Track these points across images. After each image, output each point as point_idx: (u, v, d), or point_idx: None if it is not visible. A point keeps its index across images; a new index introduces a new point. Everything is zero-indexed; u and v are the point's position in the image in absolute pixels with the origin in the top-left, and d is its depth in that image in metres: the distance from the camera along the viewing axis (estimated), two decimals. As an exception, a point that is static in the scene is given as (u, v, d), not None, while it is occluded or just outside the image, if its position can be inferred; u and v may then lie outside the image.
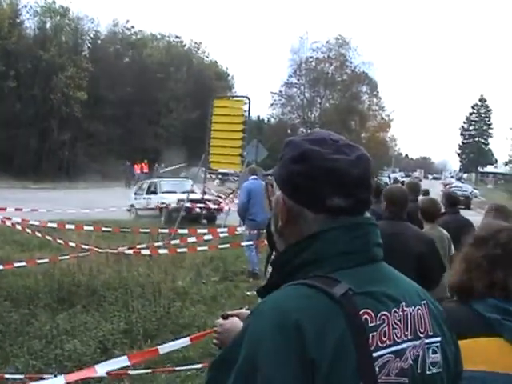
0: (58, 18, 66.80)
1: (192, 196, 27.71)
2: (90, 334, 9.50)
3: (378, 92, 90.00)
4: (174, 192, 30.18)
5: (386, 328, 1.71)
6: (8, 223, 17.13)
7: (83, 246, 14.67)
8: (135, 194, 32.77)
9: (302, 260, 1.80)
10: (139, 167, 54.25)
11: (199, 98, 66.57)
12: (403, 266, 2.19)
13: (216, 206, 28.22)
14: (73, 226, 16.92)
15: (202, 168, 26.61)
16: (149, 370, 7.85)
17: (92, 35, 72.65)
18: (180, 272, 14.19)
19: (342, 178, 1.77)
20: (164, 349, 6.78)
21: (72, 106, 63.20)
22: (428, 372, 1.79)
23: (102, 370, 6.21)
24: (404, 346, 1.74)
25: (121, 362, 6.36)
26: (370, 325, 1.68)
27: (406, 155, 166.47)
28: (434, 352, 1.82)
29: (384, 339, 1.69)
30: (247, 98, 26.24)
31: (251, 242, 14.91)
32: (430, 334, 1.83)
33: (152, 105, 71.26)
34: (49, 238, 16.14)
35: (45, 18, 67.26)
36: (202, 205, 27.56)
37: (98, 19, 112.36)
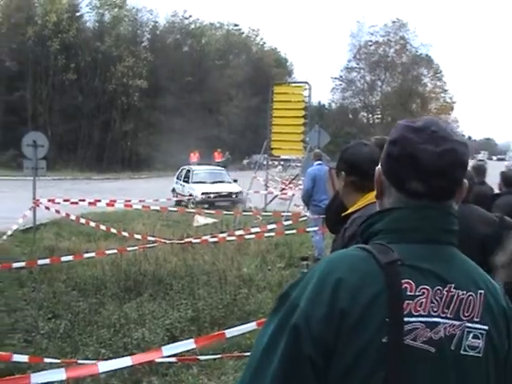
0: (116, 9, 67.34)
1: (218, 188, 29.72)
2: (158, 322, 9.60)
3: (440, 74, 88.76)
4: (204, 182, 30.74)
5: (424, 300, 1.86)
6: (72, 217, 17.43)
7: (149, 238, 14.80)
8: (177, 178, 33.30)
9: (375, 228, 2.02)
10: (195, 156, 54.23)
11: (258, 85, 66.46)
12: (469, 250, 2.25)
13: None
14: (140, 206, 17.13)
15: (264, 155, 26.60)
16: (217, 356, 7.88)
17: (151, 26, 73.11)
18: (245, 259, 14.22)
19: (422, 166, 1.93)
20: (231, 333, 6.78)
21: (131, 95, 63.73)
22: (463, 352, 1.89)
23: (168, 352, 6.24)
24: (438, 320, 1.86)
25: (187, 344, 6.38)
26: (409, 293, 1.85)
27: (469, 137, 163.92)
28: (476, 337, 1.92)
29: (418, 309, 1.84)
30: (307, 83, 26.11)
31: (316, 228, 14.84)
32: (476, 320, 1.92)
33: (212, 93, 71.46)
34: (113, 230, 16.37)
35: (103, 10, 67.92)
36: (226, 198, 29.02)
37: (157, 10, 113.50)
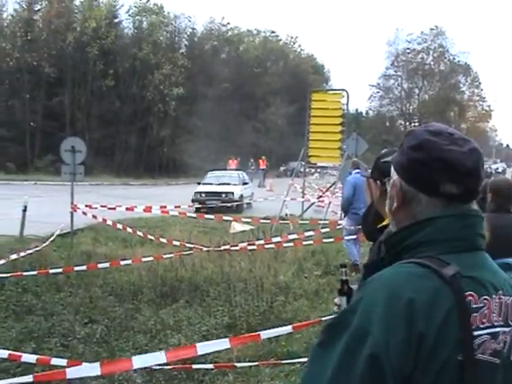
0: (154, 16, 67.74)
1: (210, 188, 31.54)
2: (194, 329, 9.60)
3: (478, 82, 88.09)
4: (210, 184, 32.72)
5: (486, 311, 1.85)
6: (109, 222, 17.54)
7: (187, 245, 14.84)
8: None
9: (414, 241, 1.95)
10: (234, 162, 54.37)
11: (296, 92, 66.55)
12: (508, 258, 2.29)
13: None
14: (176, 213, 17.19)
15: (302, 162, 26.54)
16: (254, 363, 7.85)
17: (188, 33, 73.47)
18: (282, 266, 14.18)
19: (455, 166, 1.91)
20: (266, 335, 6.72)
21: (168, 103, 64.05)
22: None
23: (202, 350, 6.19)
24: (498, 329, 1.87)
25: (222, 344, 6.35)
26: (473, 306, 1.83)
27: (507, 145, 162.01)
28: None
29: (484, 321, 1.84)
30: (345, 91, 26.03)
31: (354, 236, 14.76)
32: None
33: (249, 100, 71.66)
34: (150, 237, 16.44)
35: (141, 17, 68.38)
36: (216, 197, 30.52)
37: (195, 17, 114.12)
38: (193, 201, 29.98)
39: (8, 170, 53.28)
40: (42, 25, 63.63)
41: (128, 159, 62.11)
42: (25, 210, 18.56)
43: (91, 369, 5.95)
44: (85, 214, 18.64)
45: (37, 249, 15.11)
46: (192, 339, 8.98)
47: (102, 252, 15.83)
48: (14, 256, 13.53)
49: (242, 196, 31.59)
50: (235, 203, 29.69)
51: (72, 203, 18.28)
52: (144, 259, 13.11)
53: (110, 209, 19.54)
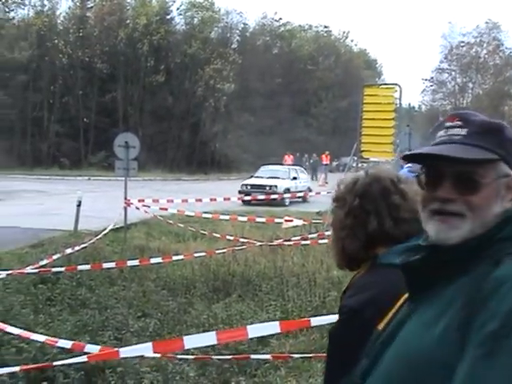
0: (205, 12, 67.88)
1: (256, 181, 33.51)
2: (246, 323, 9.60)
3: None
4: (260, 177, 34.81)
5: None
6: (160, 217, 17.69)
7: (241, 240, 14.88)
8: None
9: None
10: (290, 158, 54.36)
11: (348, 87, 66.34)
12: None
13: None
14: (227, 217, 17.20)
15: (354, 157, 26.39)
16: (309, 355, 7.83)
17: (240, 28, 73.56)
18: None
19: None
20: (316, 322, 6.67)
21: (219, 98, 64.15)
22: None
23: (253, 333, 6.18)
24: None
25: (272, 327, 6.32)
26: None
27: None
28: None
29: None
30: (398, 85, 25.80)
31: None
32: None
33: (301, 95, 71.52)
34: (203, 231, 16.53)
35: (192, 12, 68.54)
36: (260, 190, 31.43)
37: (247, 12, 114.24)
38: (240, 192, 31.44)
39: (62, 165, 54.04)
40: (94, 21, 64.24)
41: (180, 155, 62.44)
42: (79, 205, 18.77)
43: (144, 349, 6.00)
44: (138, 208, 18.80)
45: (90, 242, 15.31)
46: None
47: (155, 246, 16.00)
48: (68, 250, 13.72)
49: (288, 189, 32.17)
50: (279, 196, 29.32)
51: (125, 198, 18.47)
52: (196, 254, 13.18)
53: (161, 209, 19.57)
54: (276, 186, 32.77)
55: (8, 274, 11.06)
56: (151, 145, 56.99)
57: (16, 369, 6.59)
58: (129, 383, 7.35)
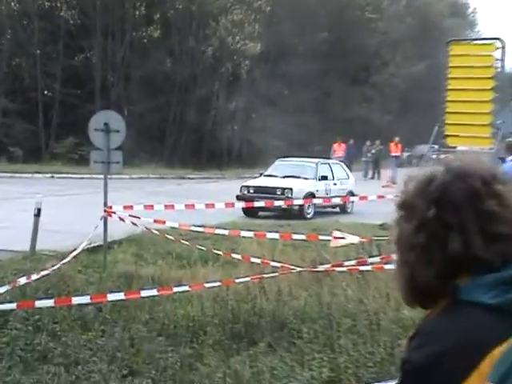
0: None
1: (262, 182, 32.82)
2: (283, 384, 9.62)
3: None
4: (274, 176, 34.14)
5: None
6: (155, 231, 17.69)
7: (272, 264, 14.80)
8: None
9: None
10: (341, 147, 54.03)
11: (426, 44, 66.16)
12: None
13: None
14: (251, 234, 17.11)
15: (434, 145, 26.34)
16: None
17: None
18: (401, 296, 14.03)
19: None
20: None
21: (239, 62, 63.83)
22: None
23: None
24: None
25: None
26: None
27: None
28: None
29: None
30: (499, 40, 25.71)
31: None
32: None
33: (357, 56, 71.27)
34: (218, 252, 16.50)
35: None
36: (268, 194, 30.27)
37: None
38: (238, 198, 30.64)
39: (13, 157, 53.99)
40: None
41: (184, 142, 62.26)
42: (38, 215, 18.84)
43: None
44: (122, 220, 18.81)
45: (54, 268, 15.34)
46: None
47: (148, 274, 15.94)
48: (22, 280, 13.74)
49: (312, 194, 31.58)
50: (286, 202, 27.57)
51: (105, 204, 18.51)
52: (208, 285, 13.16)
53: (157, 221, 19.46)
54: (291, 190, 31.48)
55: None
56: (142, 128, 56.92)
57: None
58: None
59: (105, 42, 61.69)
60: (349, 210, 32.71)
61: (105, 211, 18.40)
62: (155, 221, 18.93)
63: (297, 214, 29.40)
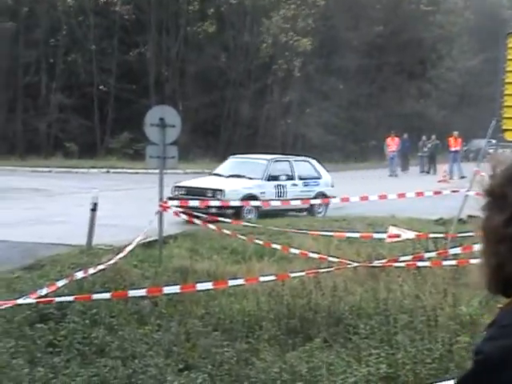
0: None
1: (196, 183, 28.60)
2: (337, 380, 9.56)
3: None
4: (219, 175, 30.27)
5: None
6: (211, 226, 17.68)
7: (331, 259, 14.74)
8: None
9: None
10: (394, 141, 53.72)
11: (483, 37, 65.62)
12: None
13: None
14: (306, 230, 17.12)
15: (491, 140, 26.11)
16: None
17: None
18: (464, 292, 13.94)
19: None
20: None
21: (293, 57, 63.69)
22: None
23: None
24: None
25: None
26: None
27: None
28: None
29: None
30: (561, 32, 25.45)
31: None
32: None
33: (413, 50, 70.80)
34: (275, 247, 16.47)
35: None
36: (200, 196, 26.57)
37: None
38: (170, 199, 25.19)
39: (69, 152, 54.24)
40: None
41: (238, 137, 62.13)
42: (94, 210, 18.93)
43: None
44: (177, 215, 18.86)
45: (111, 263, 15.41)
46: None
47: (204, 268, 15.96)
48: (80, 274, 13.81)
49: (253, 197, 27.35)
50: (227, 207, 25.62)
51: (161, 199, 18.57)
52: (263, 278, 13.12)
53: (212, 214, 19.45)
54: (222, 192, 27.45)
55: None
56: (196, 123, 56.96)
57: None
58: None
59: (159, 37, 62.01)
60: (320, 215, 28.47)
61: (161, 206, 18.46)
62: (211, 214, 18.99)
63: (232, 215, 24.45)
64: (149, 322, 12.32)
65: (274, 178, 28.86)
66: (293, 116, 64.55)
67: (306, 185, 29.34)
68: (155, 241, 18.84)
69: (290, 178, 29.26)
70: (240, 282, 12.84)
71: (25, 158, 51.13)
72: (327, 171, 30.72)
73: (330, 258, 14.79)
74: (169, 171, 19.66)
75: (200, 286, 12.47)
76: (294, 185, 28.95)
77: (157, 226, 18.59)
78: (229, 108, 62.73)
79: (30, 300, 11.77)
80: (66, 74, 60.73)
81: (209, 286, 12.54)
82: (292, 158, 31.82)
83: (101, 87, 61.46)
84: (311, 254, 15.15)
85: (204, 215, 21.61)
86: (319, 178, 30.18)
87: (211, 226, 17.71)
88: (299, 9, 63.27)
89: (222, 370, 10.17)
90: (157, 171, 18.73)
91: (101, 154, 55.30)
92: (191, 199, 24.38)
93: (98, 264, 14.93)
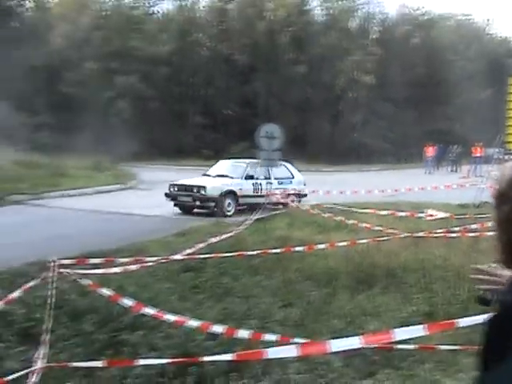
0: (345, 2, 67.61)
1: (185, 181, 25.26)
2: (393, 315, 9.52)
3: None
4: (208, 175, 26.43)
5: None
6: (304, 207, 17.71)
7: (387, 231, 14.67)
8: None
9: None
10: (430, 150, 53.35)
11: (492, 77, 64.46)
12: None
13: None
14: (368, 210, 17.12)
15: (497, 149, 25.71)
16: (457, 347, 7.60)
17: (380, 18, 72.76)
18: (480, 257, 13.73)
19: None
20: (463, 322, 6.47)
21: (358, 90, 63.67)
22: None
23: (400, 335, 6.09)
24: None
25: (419, 330, 6.21)
26: None
27: None
28: None
29: None
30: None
31: None
32: None
33: (441, 85, 69.93)
34: (351, 221, 16.45)
35: (331, 3, 68.29)
36: (187, 193, 24.06)
37: (386, 1, 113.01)
38: (166, 195, 24.57)
39: (204, 156, 55.01)
40: (234, 14, 65.24)
41: (320, 146, 62.19)
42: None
43: (289, 350, 6.02)
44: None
45: (235, 232, 15.59)
46: (389, 325, 8.86)
47: (297, 237, 15.94)
48: (212, 239, 14.01)
49: (231, 192, 24.32)
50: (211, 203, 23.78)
51: (269, 190, 18.71)
52: (339, 243, 13.08)
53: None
54: (204, 188, 23.96)
55: (155, 262, 11.30)
56: (291, 136, 57.02)
57: (162, 361, 6.77)
58: (274, 372, 7.40)
59: (266, 76, 62.14)
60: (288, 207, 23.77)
61: (267, 195, 18.63)
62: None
63: (213, 211, 23.46)
64: (260, 273, 12.39)
65: (251, 177, 25.23)
66: (358, 131, 64.28)
67: (280, 183, 25.56)
68: (263, 218, 18.95)
69: (267, 177, 25.32)
70: (323, 246, 12.81)
71: (177, 160, 51.85)
72: (299, 171, 28.04)
73: (387, 230, 14.72)
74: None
75: (296, 249, 12.50)
76: (269, 183, 25.06)
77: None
78: (313, 126, 62.76)
79: (179, 256, 11.95)
80: (203, 102, 61.53)
81: (301, 248, 12.54)
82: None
83: (227, 111, 62.26)
84: (377, 227, 15.13)
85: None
86: (292, 178, 26.76)
87: (303, 207, 17.74)
88: (363, 55, 63.29)
89: (311, 306, 10.19)
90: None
91: (227, 156, 55.68)
92: (182, 195, 23.99)
93: (224, 233, 15.11)
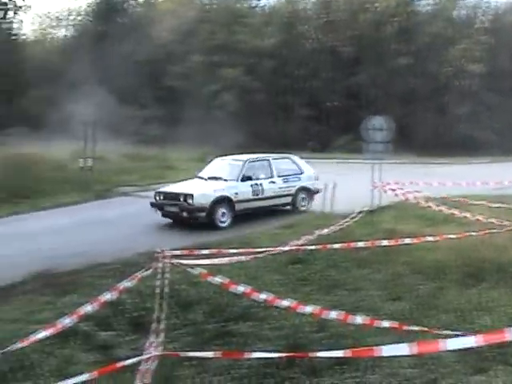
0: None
1: (171, 188, 21.51)
2: (501, 310, 9.35)
3: None
4: (201, 178, 22.14)
5: None
6: (412, 199, 17.46)
7: (506, 223, 14.21)
8: None
9: None
10: None
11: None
12: None
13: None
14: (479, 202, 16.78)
15: None
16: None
17: (488, 7, 71.01)
18: None
19: None
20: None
21: (466, 79, 62.36)
22: None
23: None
24: None
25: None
26: None
27: None
28: None
29: None
30: None
31: None
32: None
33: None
34: (463, 214, 16.08)
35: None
36: (174, 202, 20.13)
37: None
38: (152, 205, 20.82)
39: (310, 148, 55.01)
40: (340, 6, 64.96)
41: (425, 137, 61.20)
42: (333, 188, 19.71)
43: (403, 348, 5.98)
44: (385, 191, 18.79)
45: (343, 224, 15.60)
46: (502, 321, 8.70)
47: (404, 229, 15.78)
48: (322, 231, 14.08)
49: (224, 199, 20.11)
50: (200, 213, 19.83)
51: (373, 181, 18.55)
52: (448, 236, 12.78)
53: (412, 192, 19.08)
54: (191, 197, 19.76)
55: (265, 253, 11.39)
56: (397, 128, 56.25)
57: (274, 355, 6.79)
58: (384, 366, 7.39)
59: (370, 69, 61.68)
60: (303, 208, 22.27)
61: (372, 185, 18.52)
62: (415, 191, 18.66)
63: (205, 222, 19.64)
64: (368, 267, 12.36)
65: (249, 178, 21.14)
66: (464, 122, 62.88)
67: (285, 181, 22.12)
68: (370, 211, 18.82)
69: (269, 176, 21.75)
70: (431, 239, 12.62)
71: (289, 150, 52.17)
72: (309, 165, 24.02)
73: (503, 223, 14.23)
74: (383, 162, 19.72)
75: (403, 241, 12.37)
76: (272, 182, 21.64)
77: (374, 199, 18.67)
78: (418, 117, 61.82)
79: (287, 248, 12.02)
80: (308, 95, 61.62)
81: (409, 241, 12.40)
82: (271, 157, 22.87)
83: (330, 104, 62.08)
84: (490, 219, 14.71)
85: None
86: (301, 174, 22.82)
87: (411, 201, 17.50)
88: (471, 44, 61.89)
89: (418, 300, 10.12)
90: (375, 162, 18.74)
91: (331, 149, 55.62)
92: (168, 204, 20.26)
93: (331, 225, 15.12)
